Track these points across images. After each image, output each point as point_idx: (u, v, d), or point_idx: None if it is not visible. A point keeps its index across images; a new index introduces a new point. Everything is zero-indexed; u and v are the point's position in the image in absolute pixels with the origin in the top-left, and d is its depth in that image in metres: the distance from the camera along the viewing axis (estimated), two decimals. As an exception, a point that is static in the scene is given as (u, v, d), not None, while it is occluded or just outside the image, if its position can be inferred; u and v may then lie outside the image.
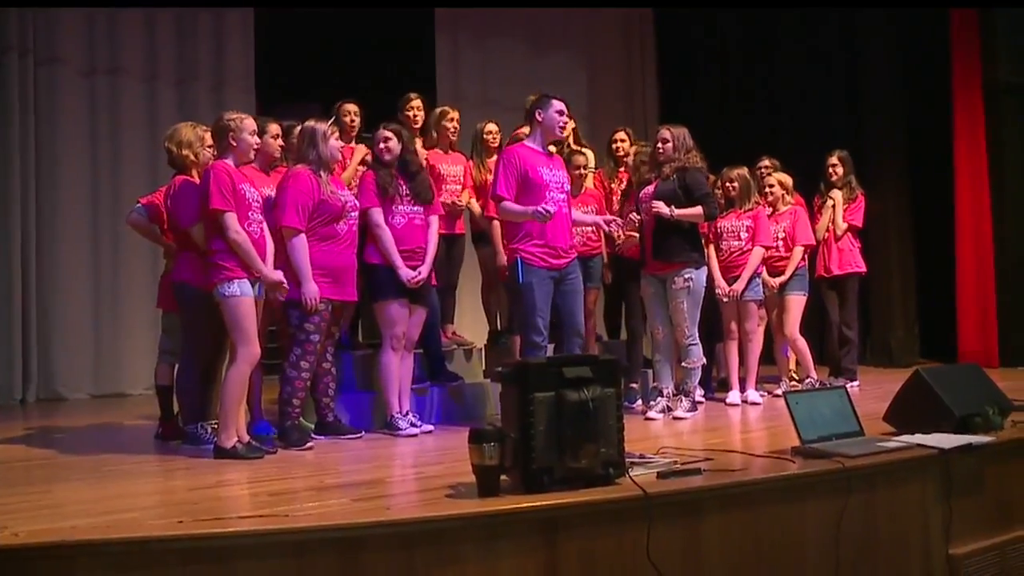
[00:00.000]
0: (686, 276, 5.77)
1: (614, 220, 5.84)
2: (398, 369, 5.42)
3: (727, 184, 6.63)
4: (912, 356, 8.91)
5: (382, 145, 5.46)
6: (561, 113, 5.45)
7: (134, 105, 8.63)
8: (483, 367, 6.77)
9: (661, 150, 5.91)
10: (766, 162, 7.12)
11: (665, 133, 5.95)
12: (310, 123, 5.14)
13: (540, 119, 5.46)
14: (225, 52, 9.06)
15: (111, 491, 3.87)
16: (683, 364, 5.91)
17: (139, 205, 5.54)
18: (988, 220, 8.53)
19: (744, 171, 6.70)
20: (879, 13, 9.21)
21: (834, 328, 7.47)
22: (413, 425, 5.41)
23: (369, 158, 5.86)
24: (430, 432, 5.41)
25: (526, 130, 5.77)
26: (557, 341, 5.59)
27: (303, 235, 4.96)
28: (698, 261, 5.86)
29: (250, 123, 4.83)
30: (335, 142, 5.18)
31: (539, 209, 5.21)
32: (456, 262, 6.70)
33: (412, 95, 6.48)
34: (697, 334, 5.86)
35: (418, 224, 5.47)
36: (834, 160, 7.44)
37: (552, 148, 5.77)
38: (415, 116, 6.41)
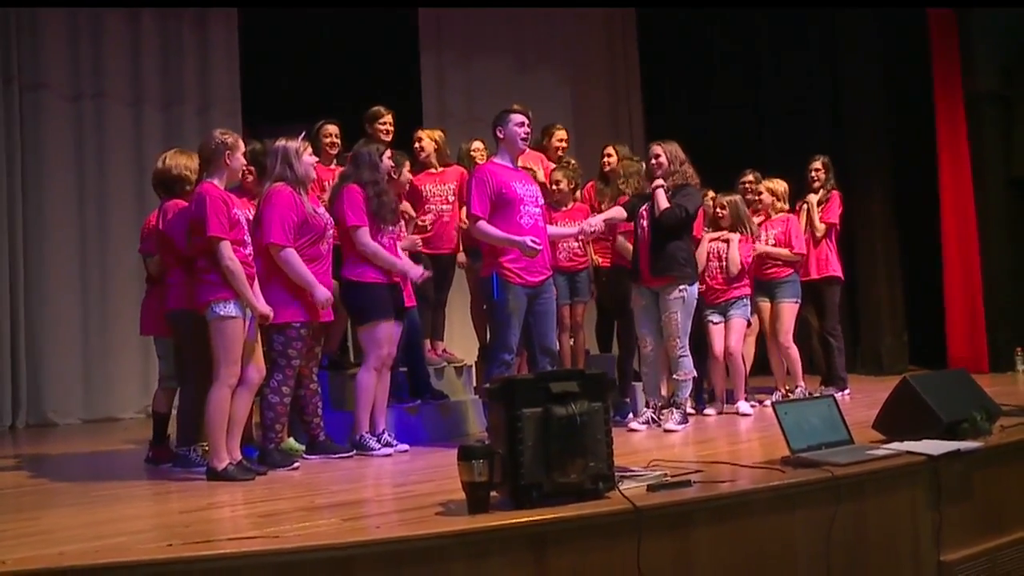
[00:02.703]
0: (680, 288, 5.80)
1: (587, 227, 5.85)
2: (375, 389, 5.38)
3: (717, 210, 6.68)
4: (902, 363, 8.93)
5: (390, 166, 5.47)
6: (521, 125, 5.42)
7: (120, 129, 8.65)
8: (473, 383, 6.76)
9: (656, 165, 5.95)
10: (750, 177, 7.12)
11: (657, 149, 5.99)
12: (281, 142, 5.06)
13: (501, 135, 5.45)
14: (210, 74, 9.08)
15: (101, 516, 3.86)
16: (674, 376, 5.92)
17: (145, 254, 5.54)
18: (973, 225, 8.58)
19: (736, 199, 6.73)
20: (860, 21, 9.28)
21: (814, 336, 7.48)
22: (388, 444, 5.38)
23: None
24: (406, 451, 5.38)
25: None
26: (529, 361, 5.58)
27: (291, 249, 4.92)
28: (691, 276, 5.89)
29: (241, 143, 4.81)
30: (308, 158, 5.10)
31: (527, 244, 5.21)
32: (445, 280, 6.70)
33: (384, 110, 6.40)
34: (688, 346, 5.88)
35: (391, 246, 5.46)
36: (817, 165, 7.46)
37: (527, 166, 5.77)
38: (388, 131, 6.37)
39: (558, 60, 10.74)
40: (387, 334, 5.34)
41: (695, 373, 6.06)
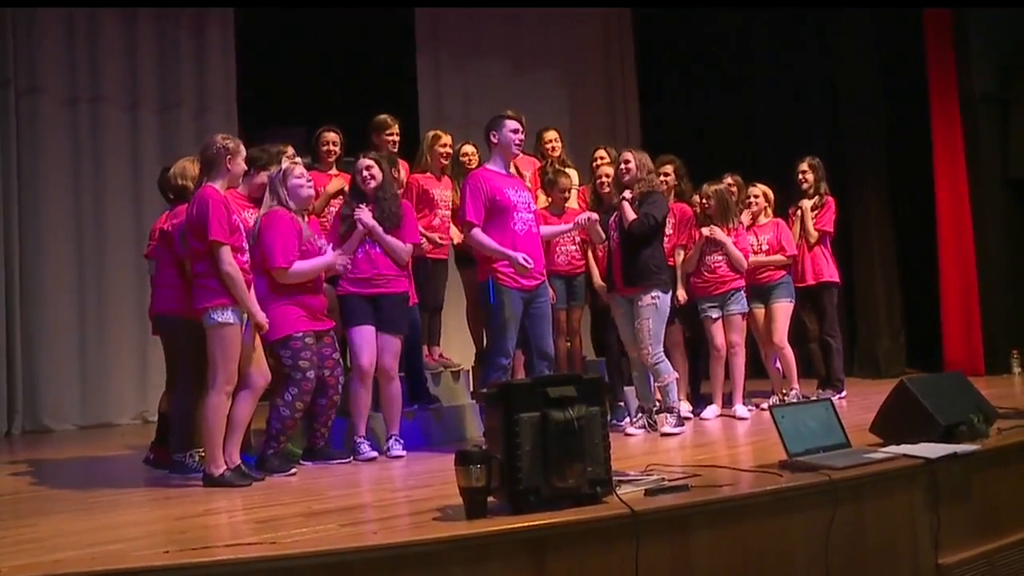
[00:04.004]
0: (653, 295, 5.79)
1: (582, 218, 5.80)
2: (366, 396, 5.39)
3: (703, 200, 6.68)
4: (899, 366, 8.91)
5: (365, 173, 5.43)
6: (516, 132, 5.44)
7: (116, 133, 8.65)
8: (471, 388, 6.76)
9: (625, 170, 5.95)
10: (729, 179, 7.08)
11: (628, 155, 6.00)
12: (272, 170, 5.10)
13: (496, 140, 5.46)
14: (206, 78, 9.09)
15: (98, 523, 3.86)
16: (656, 384, 5.92)
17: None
18: (969, 227, 8.57)
19: (721, 187, 6.72)
20: (856, 21, 9.27)
21: (812, 340, 7.48)
22: (396, 445, 5.39)
23: (347, 189, 5.77)
24: (401, 457, 5.37)
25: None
26: (526, 365, 5.57)
27: (293, 266, 4.94)
28: (665, 283, 5.90)
29: (242, 147, 4.80)
30: (295, 180, 5.06)
31: (520, 261, 5.24)
32: (441, 284, 6.69)
33: (391, 120, 6.39)
34: (662, 352, 5.87)
35: (376, 254, 5.39)
36: (804, 167, 7.45)
37: (515, 168, 5.75)
38: (396, 142, 6.37)
39: (555, 62, 10.75)
40: (362, 340, 5.35)
41: (676, 374, 6.05)
